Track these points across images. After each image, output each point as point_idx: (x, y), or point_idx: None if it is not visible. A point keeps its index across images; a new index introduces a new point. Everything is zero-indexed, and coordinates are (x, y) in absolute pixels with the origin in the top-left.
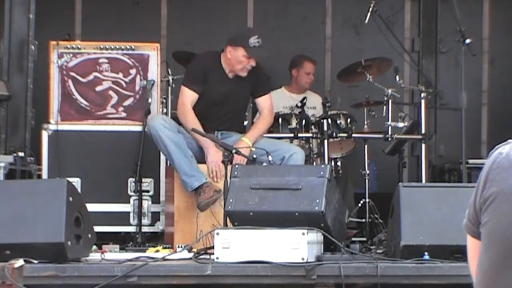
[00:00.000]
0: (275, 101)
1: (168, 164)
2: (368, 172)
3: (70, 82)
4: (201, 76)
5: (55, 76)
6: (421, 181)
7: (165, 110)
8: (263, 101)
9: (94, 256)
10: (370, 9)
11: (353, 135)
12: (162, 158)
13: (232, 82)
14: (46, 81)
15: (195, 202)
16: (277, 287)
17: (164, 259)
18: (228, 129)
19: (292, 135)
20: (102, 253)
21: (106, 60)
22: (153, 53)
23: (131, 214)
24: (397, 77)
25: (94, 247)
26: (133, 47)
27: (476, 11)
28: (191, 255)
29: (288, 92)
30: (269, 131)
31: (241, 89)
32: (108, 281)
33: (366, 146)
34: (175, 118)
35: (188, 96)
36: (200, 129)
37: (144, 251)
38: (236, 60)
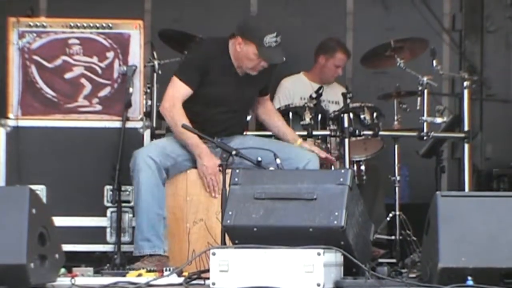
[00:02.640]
0: (291, 90)
1: None
2: (398, 178)
3: (33, 68)
4: (202, 69)
5: (15, 61)
6: (463, 190)
7: (149, 102)
8: (268, 100)
9: (63, 281)
10: None
11: (380, 132)
12: None
13: (241, 80)
14: (3, 67)
15: (186, 214)
16: None
17: (148, 285)
18: (229, 134)
19: (305, 132)
20: (73, 277)
21: (77, 41)
22: (135, 32)
23: (108, 230)
24: (434, 62)
25: (63, 270)
26: (110, 25)
27: None
28: (181, 280)
29: (308, 80)
30: None
31: (250, 90)
32: None
33: (396, 146)
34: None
35: (180, 91)
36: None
37: (124, 275)
38: (246, 57)
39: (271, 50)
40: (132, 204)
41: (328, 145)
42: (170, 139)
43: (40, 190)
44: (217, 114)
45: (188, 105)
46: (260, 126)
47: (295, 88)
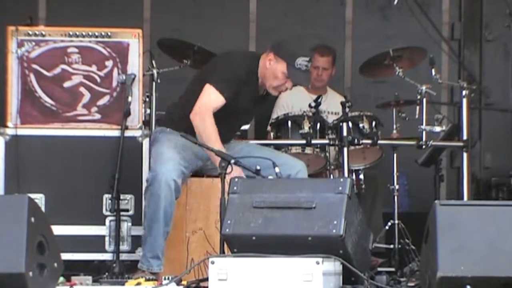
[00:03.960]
0: (291, 101)
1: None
2: (397, 187)
3: (32, 77)
4: (237, 86)
5: (14, 69)
6: (462, 199)
7: (148, 111)
8: None
9: None
10: None
11: (379, 141)
12: (145, 170)
13: (258, 101)
14: (2, 75)
15: (186, 224)
16: None
17: None
18: (228, 141)
19: (304, 141)
20: (71, 286)
21: (76, 50)
22: (133, 41)
23: (107, 239)
24: (433, 70)
25: (62, 278)
26: (109, 33)
27: None
28: None
29: (306, 91)
30: (276, 137)
31: (261, 110)
32: None
33: (395, 155)
34: (161, 119)
35: (217, 102)
36: (218, 139)
37: (123, 284)
38: (273, 74)
39: (300, 73)
40: (131, 213)
41: (327, 154)
42: (178, 148)
43: (39, 198)
44: (229, 125)
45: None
46: (259, 135)
47: (294, 100)
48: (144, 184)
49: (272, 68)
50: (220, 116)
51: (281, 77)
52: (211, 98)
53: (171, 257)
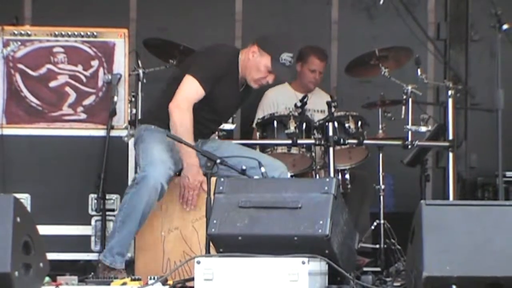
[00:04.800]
0: (276, 100)
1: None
2: (383, 187)
3: (17, 76)
4: (218, 77)
5: (0, 69)
6: (448, 199)
7: (133, 111)
8: None
9: None
10: None
11: (365, 141)
12: (131, 170)
13: (239, 96)
14: None
15: (162, 223)
16: None
17: None
18: (211, 134)
19: (290, 141)
20: (57, 286)
21: (62, 50)
22: (119, 40)
23: (93, 238)
24: (419, 70)
25: (47, 278)
26: (95, 33)
27: None
28: None
29: (293, 89)
30: (262, 137)
31: (238, 105)
32: None
33: (380, 155)
34: (143, 116)
35: (197, 93)
36: (191, 136)
37: (109, 284)
38: (256, 67)
39: (283, 68)
40: (116, 213)
41: (313, 154)
42: (167, 148)
43: (25, 198)
44: (206, 119)
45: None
46: (245, 134)
47: (280, 98)
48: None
49: (255, 60)
50: (198, 108)
51: (263, 70)
52: (191, 89)
53: (146, 257)
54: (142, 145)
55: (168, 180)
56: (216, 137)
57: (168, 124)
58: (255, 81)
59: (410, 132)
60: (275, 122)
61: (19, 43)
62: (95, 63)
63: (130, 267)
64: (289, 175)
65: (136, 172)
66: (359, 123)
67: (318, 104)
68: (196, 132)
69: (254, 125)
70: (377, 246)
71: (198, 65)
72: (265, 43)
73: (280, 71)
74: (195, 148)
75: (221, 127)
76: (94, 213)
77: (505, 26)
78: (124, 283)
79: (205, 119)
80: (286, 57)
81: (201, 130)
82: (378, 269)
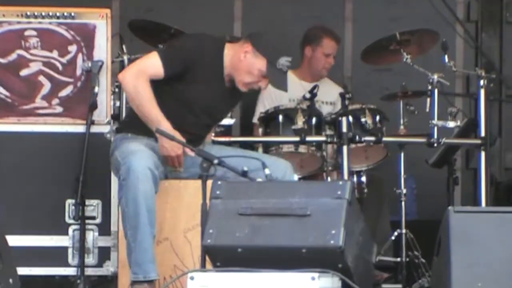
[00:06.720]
0: (277, 91)
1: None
2: (404, 191)
3: None
4: (188, 63)
5: None
6: (479, 205)
7: (117, 103)
8: None
9: None
10: None
11: (384, 139)
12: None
13: (224, 91)
14: None
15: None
16: None
17: None
18: (200, 141)
19: (297, 139)
20: None
21: (34, 33)
22: (101, 22)
23: (70, 250)
24: (446, 57)
25: None
26: (72, 14)
27: None
28: None
29: (298, 78)
30: (265, 133)
31: (228, 105)
32: None
33: (402, 154)
34: (127, 115)
35: (153, 68)
36: (155, 105)
37: None
38: (247, 69)
39: (281, 74)
40: (98, 221)
41: (324, 153)
42: (147, 146)
43: None
44: (191, 122)
45: (160, 99)
46: (245, 131)
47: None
48: (113, 188)
49: (247, 62)
50: (174, 110)
51: (256, 74)
52: (147, 63)
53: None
54: (117, 151)
55: (155, 166)
56: (211, 142)
57: (148, 130)
58: (244, 85)
59: (436, 128)
60: (280, 117)
61: None
62: (72, 48)
63: (112, 284)
64: (296, 177)
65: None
66: (377, 117)
67: (326, 94)
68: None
69: (255, 120)
70: (398, 259)
71: (167, 46)
72: (260, 43)
73: (275, 76)
74: (188, 146)
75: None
76: (71, 221)
77: None
78: None
79: (187, 124)
80: (284, 62)
81: (188, 138)
82: (399, 286)
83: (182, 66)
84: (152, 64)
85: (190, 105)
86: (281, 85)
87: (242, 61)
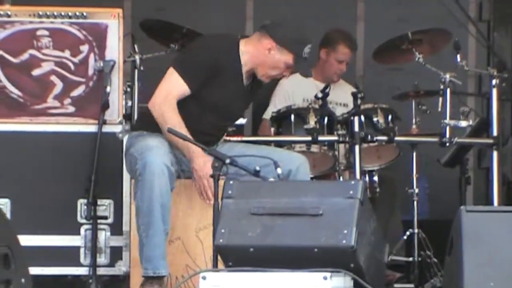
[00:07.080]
0: (291, 91)
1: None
2: (417, 191)
3: None
4: (209, 71)
5: None
6: (492, 204)
7: (129, 103)
8: None
9: None
10: None
11: (396, 138)
12: (126, 171)
13: (244, 90)
14: None
15: None
16: None
17: None
18: (217, 142)
19: (309, 138)
20: None
21: (46, 33)
22: (113, 22)
23: (82, 250)
24: (458, 56)
25: None
26: (84, 14)
27: None
28: None
29: (312, 78)
30: (277, 133)
31: (246, 103)
32: None
33: (414, 154)
34: (143, 113)
35: (178, 89)
36: (184, 130)
37: None
38: (274, 65)
39: (305, 61)
40: (109, 220)
41: (336, 153)
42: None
43: (4, 204)
44: (210, 123)
45: (181, 104)
46: (257, 130)
47: (296, 88)
48: (125, 188)
49: (273, 58)
50: (198, 113)
51: (283, 67)
52: (170, 85)
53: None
54: (133, 148)
55: (172, 163)
56: (222, 140)
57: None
58: (268, 77)
59: (448, 128)
60: (292, 116)
61: None
62: (84, 48)
63: (124, 284)
64: (309, 171)
65: (131, 178)
66: (389, 117)
67: (340, 96)
68: (204, 140)
69: (265, 116)
70: (410, 259)
71: (184, 58)
72: (284, 40)
73: (303, 66)
74: (200, 146)
75: None
76: (83, 221)
77: None
78: None
79: (209, 126)
80: (307, 50)
81: (205, 139)
82: (411, 285)
83: (203, 76)
84: (175, 85)
85: (210, 108)
86: (308, 73)
87: (267, 58)
